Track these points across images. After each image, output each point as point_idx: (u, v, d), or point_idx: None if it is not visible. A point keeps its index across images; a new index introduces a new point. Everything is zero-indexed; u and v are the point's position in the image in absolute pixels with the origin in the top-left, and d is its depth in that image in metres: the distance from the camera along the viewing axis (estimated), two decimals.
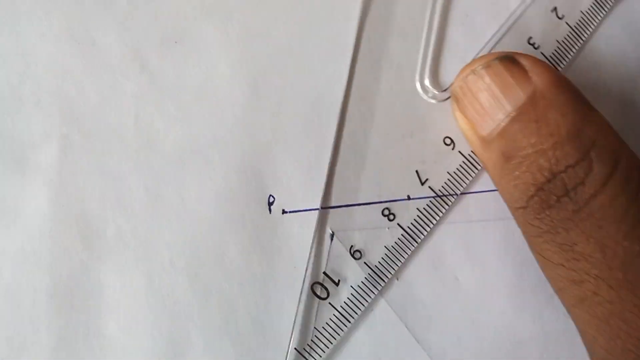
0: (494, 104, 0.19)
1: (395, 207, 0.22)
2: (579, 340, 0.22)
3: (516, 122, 0.18)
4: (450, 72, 0.23)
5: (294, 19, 0.22)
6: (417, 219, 0.22)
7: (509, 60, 0.19)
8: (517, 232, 0.21)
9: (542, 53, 0.23)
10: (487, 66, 0.19)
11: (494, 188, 0.22)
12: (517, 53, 0.19)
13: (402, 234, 0.21)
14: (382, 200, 0.22)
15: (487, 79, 0.19)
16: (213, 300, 0.20)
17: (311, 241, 0.21)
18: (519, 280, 0.22)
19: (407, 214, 0.22)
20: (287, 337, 0.20)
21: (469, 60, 0.23)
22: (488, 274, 0.22)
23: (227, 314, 0.20)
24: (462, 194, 0.22)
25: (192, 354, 0.20)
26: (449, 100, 0.22)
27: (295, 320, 0.20)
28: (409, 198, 0.22)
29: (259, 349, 0.20)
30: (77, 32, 0.21)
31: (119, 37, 0.21)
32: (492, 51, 0.23)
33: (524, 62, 0.19)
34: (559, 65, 0.23)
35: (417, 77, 0.22)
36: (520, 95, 0.18)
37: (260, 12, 0.22)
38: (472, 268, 0.22)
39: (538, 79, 0.18)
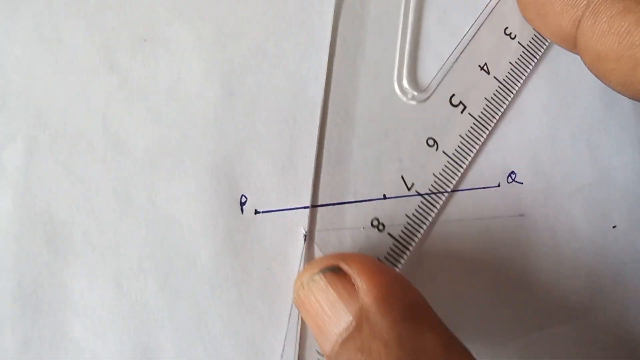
0: (327, 321, 0.17)
1: (372, 207, 0.21)
2: (560, 338, 0.22)
3: (344, 349, 0.16)
4: (428, 71, 0.22)
5: (268, 18, 0.22)
6: (395, 218, 0.21)
7: (332, 272, 0.17)
8: (497, 232, 0.21)
9: (519, 42, 0.23)
10: (311, 280, 0.17)
11: (475, 187, 0.22)
12: (346, 257, 0.18)
13: (378, 234, 0.21)
14: (358, 199, 0.21)
15: (315, 296, 0.17)
16: (183, 303, 0.20)
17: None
18: (500, 278, 0.22)
19: (384, 214, 0.21)
20: (260, 340, 0.20)
21: (446, 57, 0.22)
22: (468, 272, 0.22)
23: (198, 317, 0.20)
24: (440, 192, 0.22)
25: (162, 359, 0.19)
26: (429, 100, 0.22)
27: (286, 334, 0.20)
28: (384, 197, 0.21)
29: (231, 353, 0.20)
30: (44, 31, 0.21)
31: (88, 36, 0.21)
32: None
33: (351, 270, 0.17)
34: (536, 55, 0.23)
35: (395, 78, 0.22)
36: (346, 315, 0.16)
37: (234, 11, 0.22)
38: (453, 266, 0.22)
39: (364, 292, 0.16)
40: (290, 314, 0.20)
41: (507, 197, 0.22)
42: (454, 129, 0.22)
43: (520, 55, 0.23)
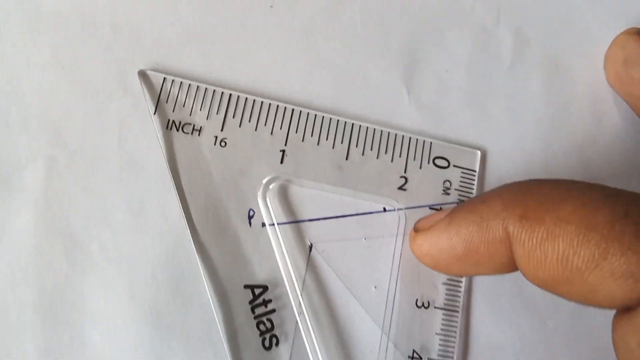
0: None
1: (371, 219, 0.22)
2: (553, 345, 0.22)
3: None
4: None
5: (275, 42, 0.23)
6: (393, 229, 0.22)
7: None
8: None
9: (435, 307, 0.22)
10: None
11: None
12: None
13: (378, 245, 0.22)
14: (359, 212, 0.22)
15: None
16: (195, 312, 0.21)
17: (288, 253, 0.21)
18: (497, 288, 0.23)
19: (383, 226, 0.22)
20: (270, 349, 0.21)
21: None
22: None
23: (208, 325, 0.21)
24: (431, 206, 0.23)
25: None
26: None
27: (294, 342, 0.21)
28: (384, 210, 0.22)
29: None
30: (62, 57, 0.22)
31: (103, 62, 0.22)
32: None
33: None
34: (456, 310, 0.22)
35: None
36: None
37: (242, 36, 0.23)
38: (452, 277, 0.22)
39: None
40: (296, 323, 0.21)
41: None
42: None
43: (442, 322, 0.22)
